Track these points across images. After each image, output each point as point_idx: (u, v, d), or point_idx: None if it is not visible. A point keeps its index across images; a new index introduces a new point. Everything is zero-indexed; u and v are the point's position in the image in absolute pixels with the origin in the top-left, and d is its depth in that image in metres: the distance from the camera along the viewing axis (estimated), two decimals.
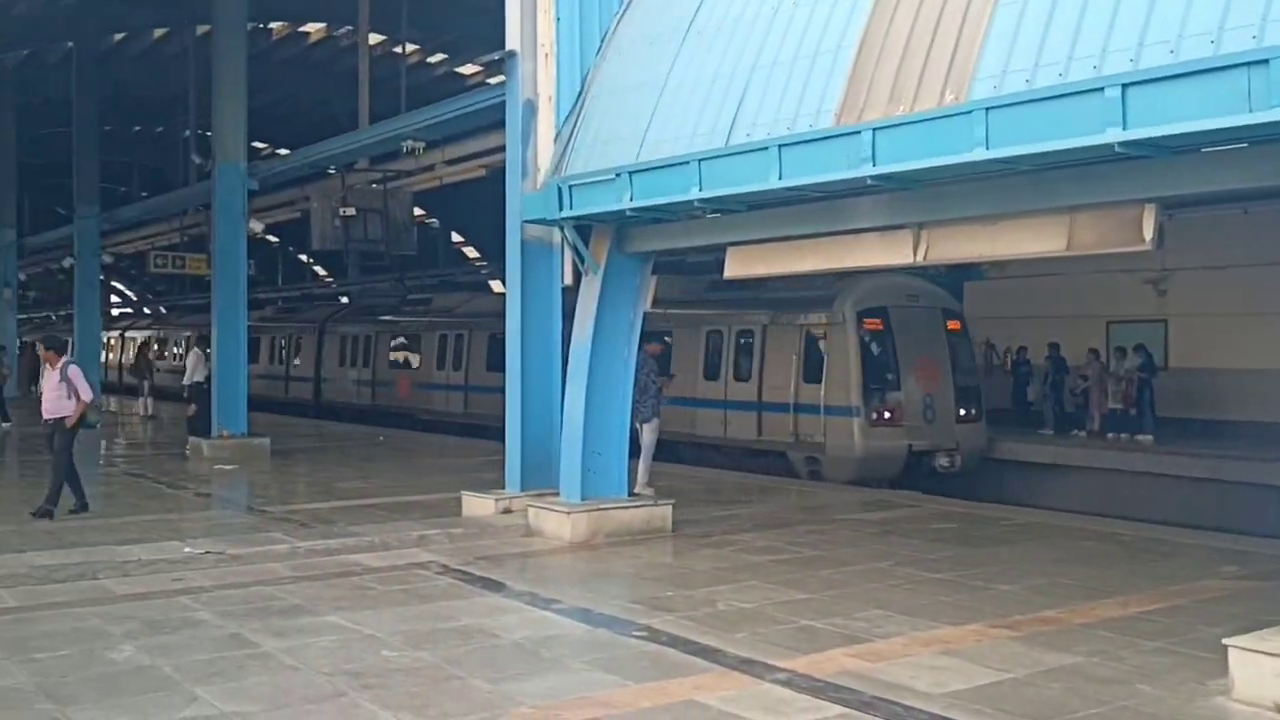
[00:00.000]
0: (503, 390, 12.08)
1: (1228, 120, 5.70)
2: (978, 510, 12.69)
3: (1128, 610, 7.72)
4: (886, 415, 16.50)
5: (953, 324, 17.86)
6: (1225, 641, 5.88)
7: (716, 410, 18.26)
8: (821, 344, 16.88)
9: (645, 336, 11.87)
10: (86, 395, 11.61)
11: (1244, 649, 5.74)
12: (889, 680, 6.09)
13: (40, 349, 12.67)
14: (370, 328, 29.48)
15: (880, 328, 16.98)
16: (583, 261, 10.78)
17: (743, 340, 18.15)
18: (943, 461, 16.91)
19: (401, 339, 27.92)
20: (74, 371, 11.60)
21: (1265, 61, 5.47)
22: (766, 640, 6.93)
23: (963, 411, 17.35)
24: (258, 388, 32.67)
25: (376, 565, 9.26)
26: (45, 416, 11.73)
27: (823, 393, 16.57)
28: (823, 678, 6.14)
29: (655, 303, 19.20)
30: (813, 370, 16.83)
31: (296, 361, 32.59)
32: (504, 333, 12.02)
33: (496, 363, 21.72)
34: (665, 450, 18.27)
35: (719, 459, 17.76)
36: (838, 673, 6.23)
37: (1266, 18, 5.61)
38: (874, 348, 16.90)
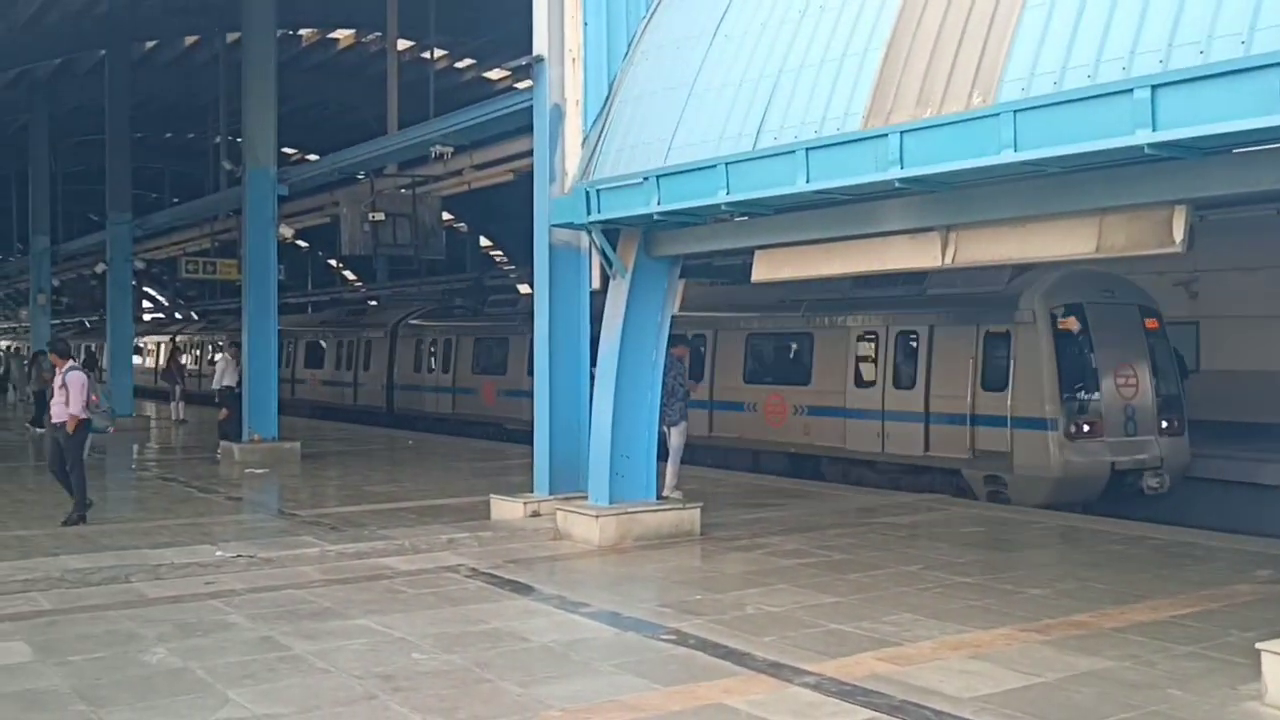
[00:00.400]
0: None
1: (1259, 121, 5.65)
2: (1007, 514, 12.62)
3: (1159, 614, 7.66)
4: (1086, 428, 14.25)
5: (1151, 322, 15.62)
6: (1258, 646, 5.83)
7: (871, 421, 16.01)
8: (1006, 346, 14.62)
9: (675, 340, 11.88)
10: (75, 408, 11.40)
11: (1277, 653, 5.69)
12: (918, 684, 6.08)
13: (49, 354, 12.74)
14: (449, 331, 27.20)
15: (1076, 327, 14.63)
16: (610, 265, 10.80)
17: (904, 343, 15.88)
18: (1152, 482, 14.55)
19: (486, 342, 25.68)
20: (72, 378, 11.55)
21: None
22: (795, 644, 6.93)
23: (1165, 423, 15.08)
24: (322, 395, 31.81)
25: (406, 569, 9.32)
26: (52, 421, 11.84)
27: (1009, 402, 14.31)
28: (851, 681, 6.13)
29: (790, 305, 17.67)
30: (994, 376, 14.62)
31: (366, 367, 30.33)
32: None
33: None
34: (805, 466, 16.83)
35: (872, 476, 15.98)
36: (867, 676, 6.22)
37: None
38: (1070, 350, 14.61)
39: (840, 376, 16.68)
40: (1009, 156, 6.81)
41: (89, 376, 11.95)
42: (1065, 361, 14.51)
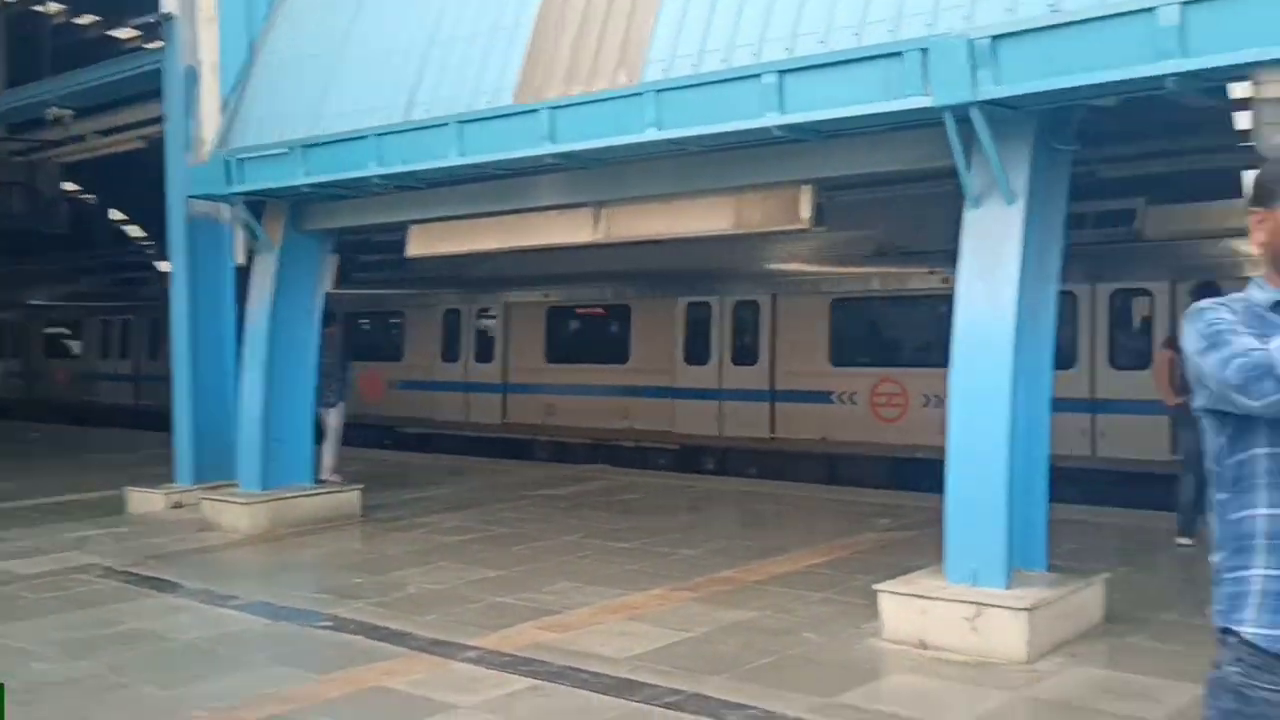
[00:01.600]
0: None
1: (870, 107, 6.19)
2: (663, 480, 13.18)
3: (797, 566, 8.28)
4: None
5: None
6: (875, 587, 6.42)
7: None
8: None
9: (329, 318, 11.44)
10: None
11: (891, 593, 6.30)
12: (578, 649, 6.22)
13: None
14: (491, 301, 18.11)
15: None
16: (256, 239, 10.26)
17: None
18: None
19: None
20: None
21: (899, 54, 5.97)
22: (458, 620, 6.90)
23: None
24: None
25: (28, 572, 8.44)
26: None
27: None
28: (513, 652, 6.18)
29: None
30: None
31: None
32: None
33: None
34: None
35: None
36: (528, 646, 6.29)
37: (901, 14, 6.13)
38: None
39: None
40: (653, 135, 7.08)
41: None
42: None
